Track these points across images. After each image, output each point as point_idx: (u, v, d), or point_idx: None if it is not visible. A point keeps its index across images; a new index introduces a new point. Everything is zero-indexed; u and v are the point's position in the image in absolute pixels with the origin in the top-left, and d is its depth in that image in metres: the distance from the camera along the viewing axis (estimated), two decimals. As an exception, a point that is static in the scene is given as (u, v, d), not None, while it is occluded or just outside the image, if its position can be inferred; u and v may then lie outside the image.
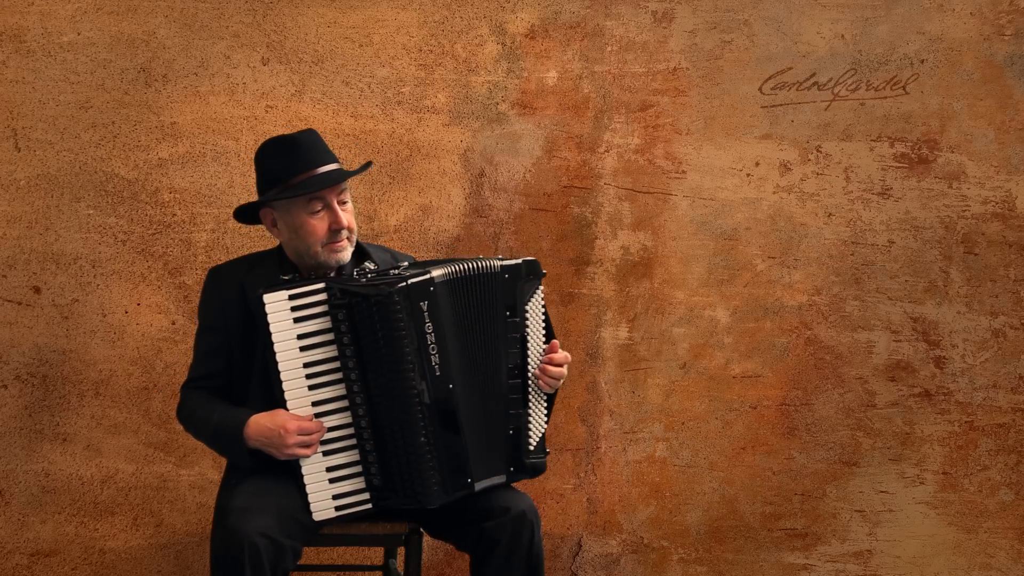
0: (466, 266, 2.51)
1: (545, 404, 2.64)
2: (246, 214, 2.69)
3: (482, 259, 2.54)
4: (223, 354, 2.61)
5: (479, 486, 2.50)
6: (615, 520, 3.43)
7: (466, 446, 2.49)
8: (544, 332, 2.64)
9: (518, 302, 2.55)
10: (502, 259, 2.56)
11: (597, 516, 3.43)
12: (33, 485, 3.30)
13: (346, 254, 2.60)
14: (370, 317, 2.42)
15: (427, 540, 3.28)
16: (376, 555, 3.38)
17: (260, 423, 2.46)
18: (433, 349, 2.45)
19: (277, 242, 2.71)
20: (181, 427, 2.71)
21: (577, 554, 3.43)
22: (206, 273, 2.72)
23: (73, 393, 3.32)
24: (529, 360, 2.59)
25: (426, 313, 2.44)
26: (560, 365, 2.62)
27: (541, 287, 2.61)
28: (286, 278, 2.50)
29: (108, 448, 3.32)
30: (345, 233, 2.57)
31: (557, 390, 2.67)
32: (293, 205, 2.55)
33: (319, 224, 2.54)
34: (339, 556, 3.37)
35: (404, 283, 2.43)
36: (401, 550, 2.74)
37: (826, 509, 3.45)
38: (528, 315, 2.58)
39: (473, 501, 2.52)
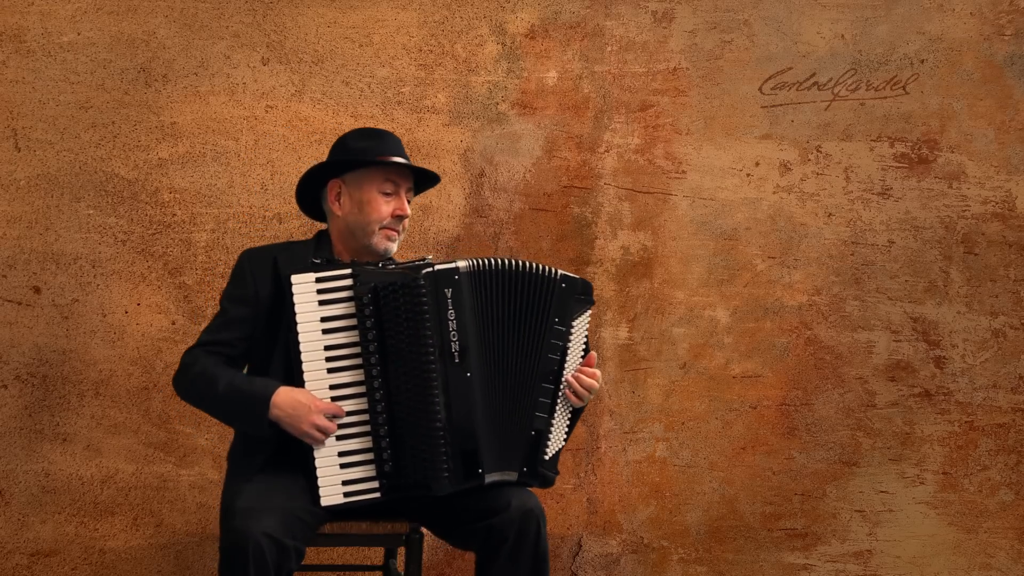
0: (498, 263, 2.56)
1: (568, 420, 2.65)
2: (304, 193, 2.74)
3: (540, 265, 2.58)
4: (245, 326, 2.62)
5: (489, 479, 2.50)
6: (615, 520, 3.43)
7: (480, 436, 2.50)
8: (583, 353, 2.66)
9: (568, 313, 2.59)
10: (563, 272, 2.62)
11: (597, 516, 3.43)
12: (33, 485, 3.30)
13: (394, 246, 2.68)
14: (395, 301, 2.47)
15: (427, 540, 3.28)
16: (376, 555, 3.38)
17: (291, 394, 2.48)
18: (454, 336, 2.50)
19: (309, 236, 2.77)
20: (181, 393, 2.62)
21: (577, 554, 3.43)
22: (239, 254, 2.71)
23: (73, 393, 3.32)
24: (564, 371, 2.60)
25: (450, 300, 2.50)
26: (592, 378, 2.64)
27: (590, 312, 2.66)
28: (316, 262, 2.56)
29: (108, 448, 3.32)
30: (402, 226, 2.67)
31: (581, 411, 2.68)
32: (366, 180, 2.65)
33: (386, 206, 2.65)
34: (339, 556, 3.37)
35: (431, 268, 2.50)
36: (401, 550, 2.74)
37: (826, 509, 3.45)
38: (574, 330, 2.61)
39: (480, 498, 2.53)
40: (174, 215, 3.35)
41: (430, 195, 3.41)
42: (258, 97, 3.39)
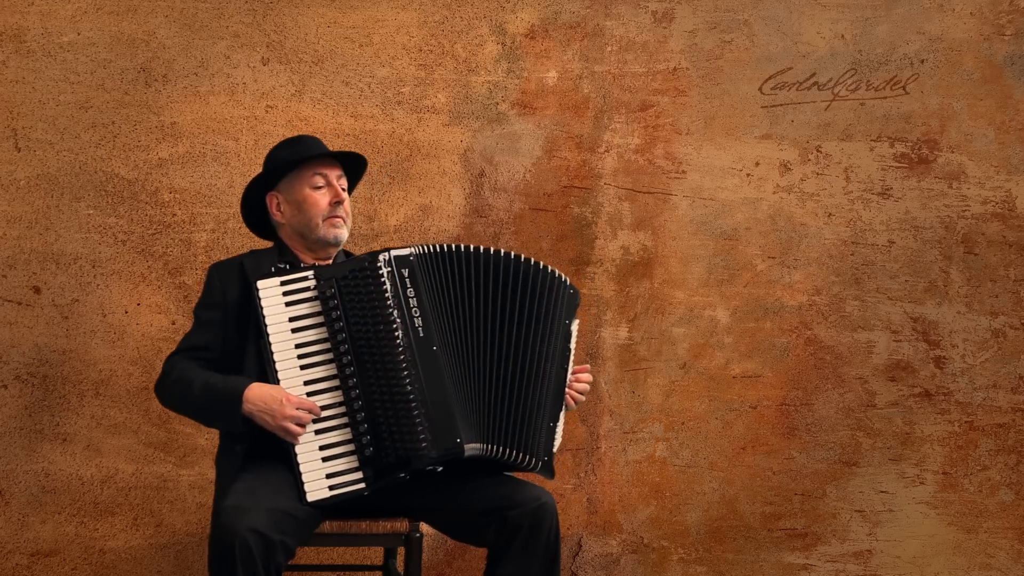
0: (447, 247, 2.65)
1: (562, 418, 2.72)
2: (250, 214, 2.84)
3: (540, 264, 2.67)
4: (218, 328, 2.70)
5: (470, 449, 2.53)
6: (615, 520, 3.43)
7: (454, 406, 2.54)
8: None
9: (573, 317, 2.71)
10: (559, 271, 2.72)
11: (597, 516, 3.43)
12: (33, 485, 3.30)
13: (343, 232, 2.76)
14: (356, 287, 2.57)
15: (427, 540, 3.28)
16: (376, 555, 3.38)
17: (262, 389, 2.54)
18: (416, 312, 2.58)
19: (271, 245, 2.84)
20: (162, 400, 2.65)
21: (577, 554, 3.43)
22: (207, 269, 2.77)
23: (73, 393, 3.32)
24: (569, 372, 2.70)
25: (408, 279, 2.59)
26: (587, 382, 2.77)
27: (578, 320, 2.76)
28: (281, 265, 2.66)
29: (108, 448, 3.32)
30: (343, 211, 2.76)
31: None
32: (297, 181, 2.75)
33: (321, 198, 2.74)
34: (339, 556, 3.37)
35: (386, 252, 2.61)
36: (401, 550, 2.74)
37: (826, 509, 3.45)
38: (573, 333, 2.71)
39: (496, 492, 2.57)
40: (174, 215, 3.35)
41: (430, 195, 3.41)
42: (258, 97, 3.39)
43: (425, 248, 2.63)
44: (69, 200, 3.34)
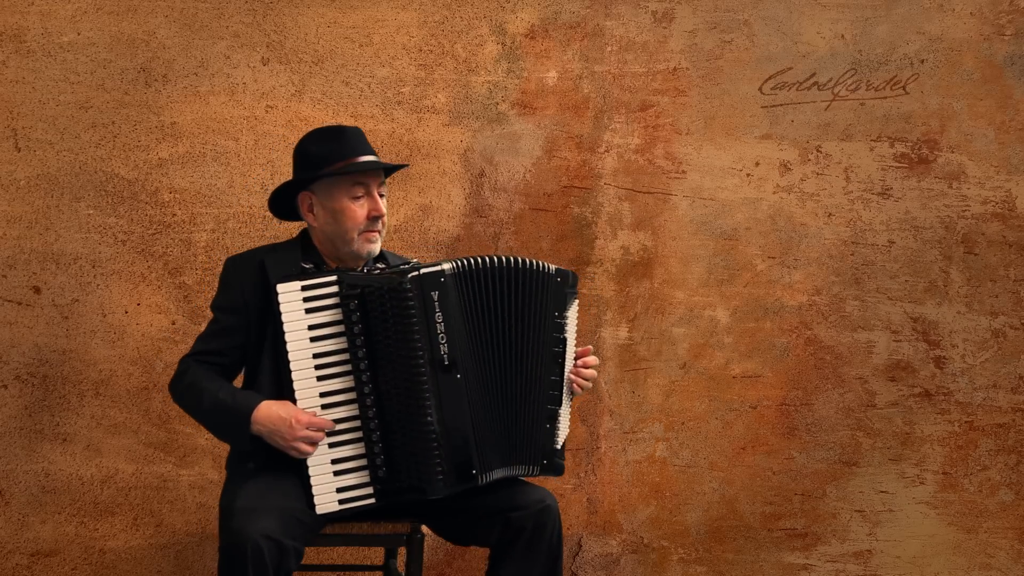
0: (485, 261, 2.54)
1: (569, 409, 2.67)
2: (279, 203, 2.73)
3: (529, 260, 2.57)
4: (237, 334, 2.62)
5: (485, 479, 2.51)
6: (615, 520, 3.43)
7: (472, 437, 2.50)
8: (576, 341, 2.69)
9: (563, 306, 2.61)
10: (554, 265, 2.63)
11: (597, 516, 3.43)
12: (33, 485, 3.30)
13: (377, 247, 2.65)
14: (382, 306, 2.46)
15: (428, 540, 3.28)
16: (376, 555, 3.38)
17: (272, 409, 2.48)
18: (442, 339, 2.49)
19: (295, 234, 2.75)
20: (175, 401, 2.63)
21: (577, 554, 3.43)
22: (224, 262, 2.70)
23: (73, 393, 3.32)
24: (567, 363, 2.63)
25: (436, 303, 2.48)
26: (592, 368, 2.70)
27: (577, 299, 2.68)
28: (306, 266, 2.56)
29: (108, 448, 3.32)
30: (380, 224, 2.63)
31: (574, 397, 2.71)
32: (335, 188, 2.61)
33: (359, 210, 2.61)
34: (339, 556, 3.37)
35: (416, 272, 2.48)
36: (402, 550, 2.74)
37: (826, 509, 3.45)
38: (569, 321, 2.63)
39: (500, 494, 2.55)
40: (174, 215, 3.35)
41: (430, 195, 3.41)
42: (258, 97, 3.39)
43: (459, 265, 2.51)
44: (69, 200, 3.34)
